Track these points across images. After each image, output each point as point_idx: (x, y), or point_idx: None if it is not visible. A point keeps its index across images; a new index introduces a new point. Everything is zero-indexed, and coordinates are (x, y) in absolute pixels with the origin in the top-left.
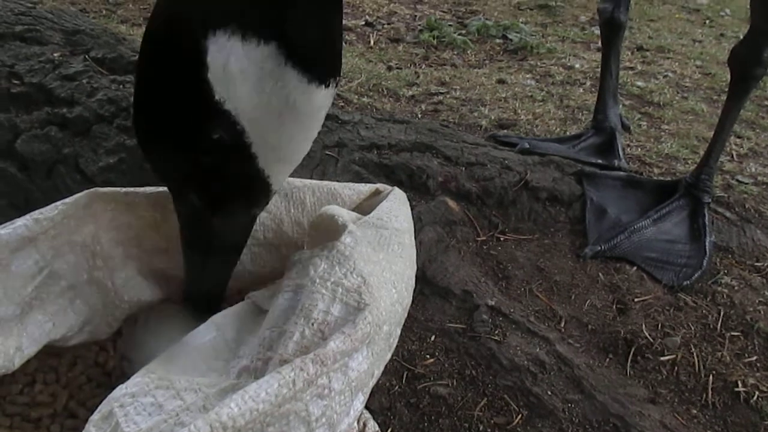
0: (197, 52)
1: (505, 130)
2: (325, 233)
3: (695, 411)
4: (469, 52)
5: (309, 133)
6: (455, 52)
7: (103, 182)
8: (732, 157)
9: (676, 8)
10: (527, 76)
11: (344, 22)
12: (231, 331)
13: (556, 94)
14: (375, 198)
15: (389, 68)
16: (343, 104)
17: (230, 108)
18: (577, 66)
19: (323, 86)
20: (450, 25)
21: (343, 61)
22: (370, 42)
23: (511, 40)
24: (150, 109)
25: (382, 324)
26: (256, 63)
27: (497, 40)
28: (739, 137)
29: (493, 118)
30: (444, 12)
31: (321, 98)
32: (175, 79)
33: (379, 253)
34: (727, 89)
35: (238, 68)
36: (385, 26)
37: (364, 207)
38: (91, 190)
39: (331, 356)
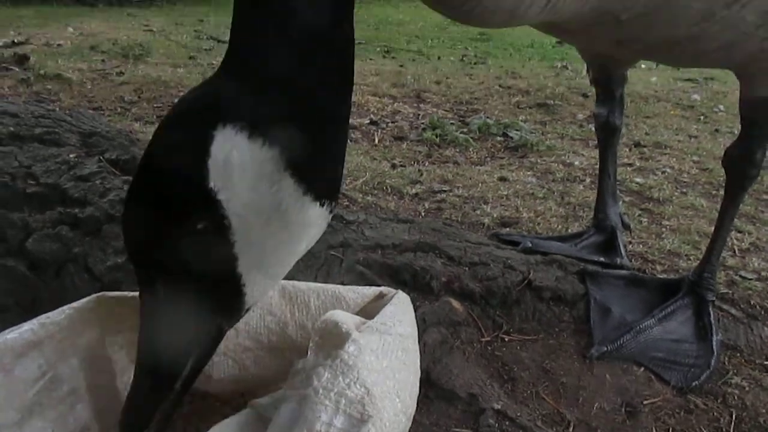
0: (203, 139)
1: (508, 229)
2: (329, 339)
3: None
4: (471, 149)
5: (295, 247)
6: (457, 150)
7: (111, 281)
8: (734, 252)
9: (671, 105)
10: (528, 173)
11: (351, 121)
12: None
13: (556, 191)
14: (379, 301)
15: (393, 166)
16: (348, 203)
17: (222, 198)
18: (576, 163)
19: (317, 203)
20: (452, 124)
21: (347, 159)
22: (374, 140)
23: (511, 137)
24: (143, 184)
25: None
26: (257, 162)
27: (498, 138)
28: (740, 232)
29: (495, 216)
30: (446, 111)
31: (313, 215)
32: (176, 158)
33: (383, 361)
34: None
35: (238, 162)
36: (390, 125)
37: (369, 310)
38: (99, 294)
39: None
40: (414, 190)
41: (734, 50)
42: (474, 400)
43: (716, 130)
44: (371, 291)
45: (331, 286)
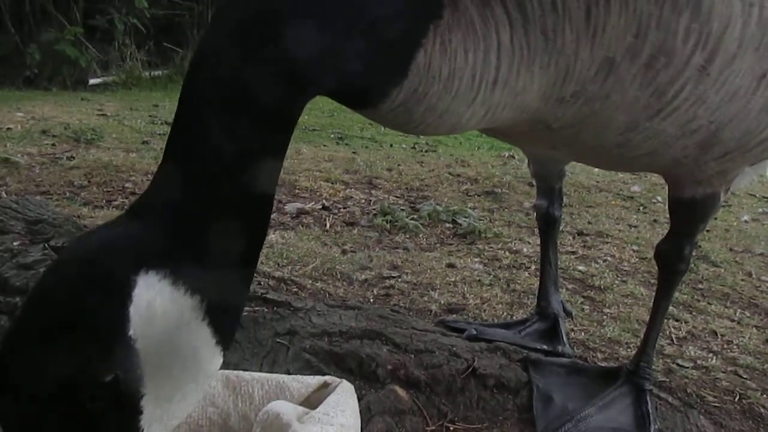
0: (125, 284)
1: (454, 315)
2: (270, 430)
3: None
4: (420, 235)
5: (196, 397)
6: (407, 236)
7: None
8: (672, 340)
9: (612, 195)
10: (476, 260)
11: (303, 206)
12: None
13: (503, 278)
14: (323, 390)
15: (344, 252)
16: (297, 290)
17: (140, 347)
18: (523, 250)
19: (222, 353)
20: (402, 210)
21: (299, 245)
22: (326, 225)
23: (460, 224)
24: (40, 326)
25: None
26: (178, 310)
27: (447, 225)
28: (677, 320)
29: (442, 302)
30: (397, 197)
31: (217, 364)
32: (91, 303)
33: None
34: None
35: (161, 309)
36: (341, 210)
37: (312, 400)
38: None
39: None
40: (363, 276)
41: (658, 157)
42: None
43: (655, 221)
44: (315, 380)
45: (275, 376)
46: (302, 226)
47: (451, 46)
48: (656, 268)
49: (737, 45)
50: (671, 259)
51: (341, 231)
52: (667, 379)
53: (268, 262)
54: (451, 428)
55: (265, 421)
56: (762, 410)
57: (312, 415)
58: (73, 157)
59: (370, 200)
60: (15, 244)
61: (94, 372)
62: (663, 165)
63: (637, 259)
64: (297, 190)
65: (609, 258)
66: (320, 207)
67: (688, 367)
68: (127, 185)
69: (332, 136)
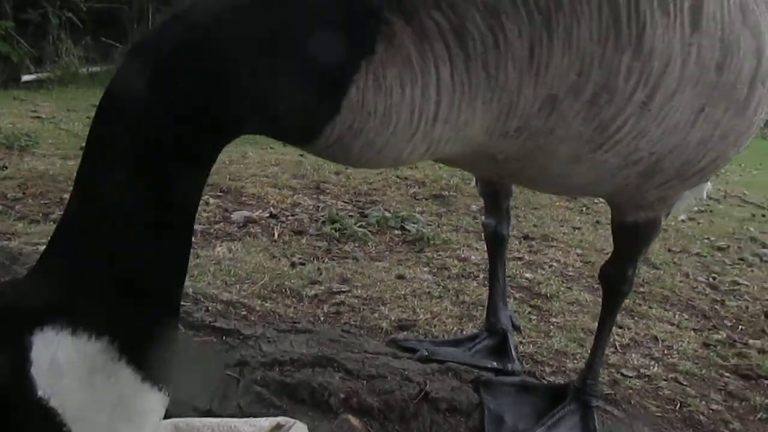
0: (20, 348)
1: (405, 332)
2: None
3: None
4: (369, 243)
5: None
6: (357, 245)
7: None
8: (616, 348)
9: (556, 197)
10: (425, 269)
11: (250, 214)
12: None
13: (452, 289)
14: None
15: (293, 264)
16: (245, 312)
17: (56, 405)
18: (471, 258)
19: (156, 388)
20: (351, 216)
21: (247, 259)
22: (274, 235)
23: (408, 231)
24: None
25: None
26: (86, 357)
27: (396, 231)
28: (620, 327)
29: (393, 318)
30: (345, 202)
31: (154, 401)
32: None
33: None
34: None
35: (66, 361)
36: (289, 218)
37: None
38: None
39: None
40: (313, 292)
41: (601, 185)
42: None
43: (597, 222)
44: (268, 422)
45: (226, 421)
46: (249, 236)
47: (386, 81)
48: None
49: (677, 82)
50: (615, 282)
51: (290, 241)
52: (613, 391)
53: (215, 281)
54: None
55: None
56: (701, 417)
57: None
58: (6, 167)
59: (318, 206)
60: None
61: None
62: (606, 192)
63: (581, 263)
64: (243, 198)
65: (554, 263)
66: (267, 215)
67: (631, 377)
68: (65, 196)
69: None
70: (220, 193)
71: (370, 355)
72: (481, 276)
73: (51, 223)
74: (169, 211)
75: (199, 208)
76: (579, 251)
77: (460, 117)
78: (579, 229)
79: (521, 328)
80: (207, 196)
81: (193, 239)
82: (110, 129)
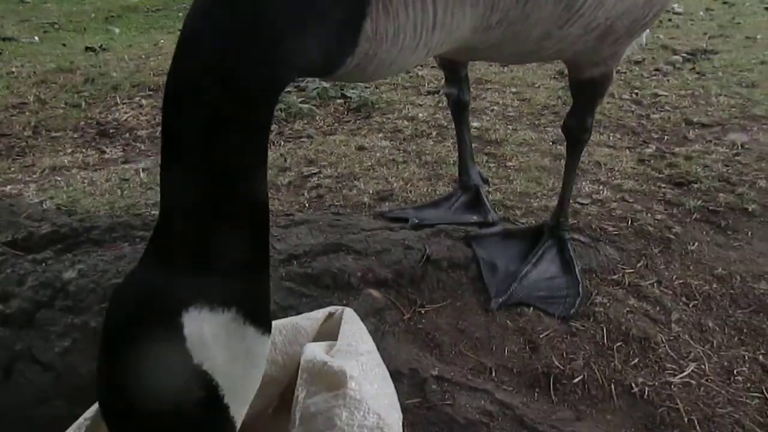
0: (175, 328)
1: (388, 203)
2: (320, 376)
3: (609, 416)
4: (317, 118)
5: (261, 374)
6: (305, 121)
7: (65, 368)
8: None
9: None
10: (379, 135)
11: None
12: None
13: (411, 151)
14: (330, 320)
15: None
16: None
17: (207, 368)
18: (419, 116)
19: (268, 335)
20: (290, 93)
21: None
22: None
23: (350, 98)
24: (129, 388)
25: None
26: (222, 325)
27: (338, 101)
28: None
29: (371, 192)
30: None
31: (267, 343)
32: (155, 354)
33: (374, 384)
34: (541, 112)
35: (210, 333)
36: None
37: (323, 332)
38: None
39: None
40: (287, 179)
41: (563, 52)
42: (415, 373)
43: None
44: (321, 314)
45: (287, 320)
46: None
47: (392, 6)
48: (537, 108)
49: None
50: (577, 131)
51: None
52: (576, 221)
53: None
54: (423, 312)
55: (311, 369)
56: (649, 228)
57: (339, 348)
58: None
59: None
60: None
61: (185, 399)
62: (567, 56)
63: (518, 102)
64: None
65: (495, 107)
66: None
67: (587, 204)
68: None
69: (180, 15)
70: (150, 92)
71: (369, 233)
72: (434, 133)
73: (17, 156)
74: (253, 174)
75: (136, 111)
76: (513, 89)
77: (453, 22)
78: (507, 66)
79: (488, 181)
80: (138, 98)
81: (143, 146)
82: (183, 116)
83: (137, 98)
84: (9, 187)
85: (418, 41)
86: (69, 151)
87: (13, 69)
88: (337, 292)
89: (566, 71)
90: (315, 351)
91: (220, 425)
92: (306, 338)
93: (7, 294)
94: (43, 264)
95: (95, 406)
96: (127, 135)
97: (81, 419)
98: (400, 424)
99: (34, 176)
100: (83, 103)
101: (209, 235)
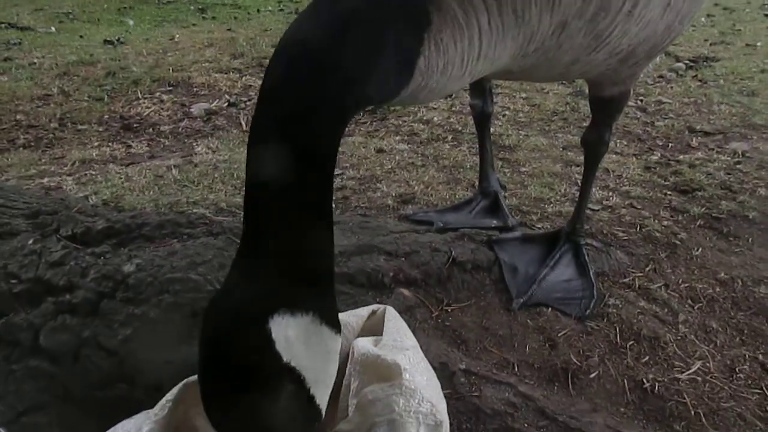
0: (264, 334)
1: (410, 205)
2: (373, 368)
3: (623, 409)
4: None
5: (336, 366)
6: None
7: (127, 353)
8: (578, 185)
9: None
10: (397, 138)
11: (208, 105)
12: None
13: (429, 155)
14: (373, 317)
15: None
16: None
17: (295, 365)
18: (434, 119)
19: (339, 332)
20: None
21: (234, 158)
22: (242, 125)
23: None
24: (232, 392)
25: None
26: (303, 328)
27: None
28: (576, 165)
29: (394, 194)
30: None
31: (339, 341)
32: (251, 360)
33: (424, 376)
34: (551, 118)
35: (294, 335)
36: (248, 103)
37: (367, 328)
38: (186, 380)
39: None
40: None
41: (588, 74)
42: (445, 366)
43: None
44: (365, 311)
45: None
46: (218, 130)
47: (443, 43)
48: (547, 114)
49: None
50: (596, 145)
51: None
52: (588, 226)
53: (226, 188)
54: (450, 310)
55: (365, 362)
56: (657, 234)
57: (385, 344)
58: None
59: None
60: (30, 243)
61: (280, 393)
62: (590, 77)
63: (528, 107)
64: (195, 88)
65: (506, 112)
66: (226, 104)
67: (598, 209)
68: (19, 117)
69: (192, 8)
70: (170, 88)
71: (398, 235)
72: (449, 137)
73: (21, 149)
74: (322, 191)
75: (157, 107)
76: (523, 95)
77: (495, 52)
78: None
79: (506, 187)
80: (159, 93)
81: (167, 141)
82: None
83: (158, 93)
84: (46, 179)
85: (464, 70)
86: (96, 144)
87: (35, 60)
88: (371, 291)
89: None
90: (367, 345)
91: (311, 411)
92: (352, 334)
93: (72, 285)
94: (102, 257)
95: (176, 389)
96: (151, 130)
97: (163, 400)
98: (446, 412)
99: (65, 168)
100: (106, 97)
101: (288, 249)
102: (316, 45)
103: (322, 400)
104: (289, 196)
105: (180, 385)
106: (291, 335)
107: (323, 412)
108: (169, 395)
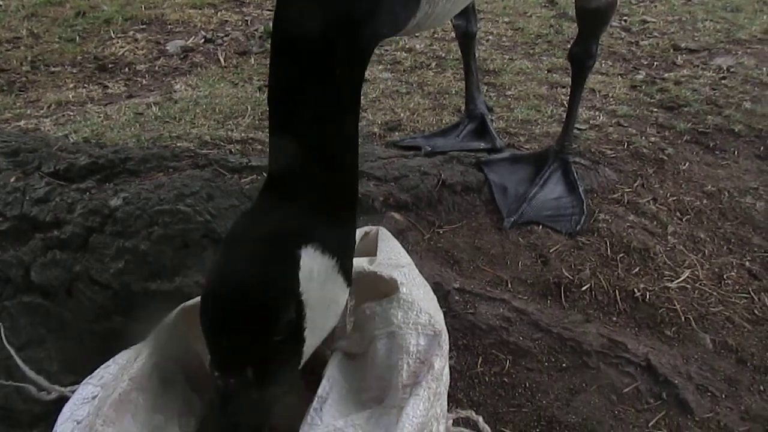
0: (294, 258)
1: (397, 133)
2: (371, 284)
3: (615, 318)
4: None
5: (335, 323)
6: None
7: (121, 286)
8: (565, 106)
9: None
10: (380, 67)
11: (184, 42)
12: (343, 378)
13: (413, 83)
14: (366, 239)
15: (260, 89)
16: (261, 147)
17: (304, 297)
18: (416, 47)
19: (349, 288)
20: None
21: (215, 93)
22: (220, 61)
23: None
24: (235, 302)
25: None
26: (326, 269)
27: None
28: (562, 87)
29: (380, 122)
30: (270, 10)
31: (346, 296)
32: (271, 275)
33: (420, 289)
34: (535, 41)
35: (317, 271)
36: (225, 39)
37: (360, 249)
38: (181, 305)
39: (438, 373)
40: None
41: None
42: (439, 286)
43: None
44: (357, 233)
45: None
46: (196, 66)
47: None
48: (530, 38)
49: None
50: (583, 58)
51: (238, 64)
52: (576, 145)
53: (209, 122)
54: (441, 232)
55: (362, 279)
56: (644, 150)
57: (380, 262)
58: None
59: (246, 20)
60: (12, 180)
61: (279, 318)
62: None
63: (512, 31)
64: (169, 26)
65: (490, 36)
66: (203, 40)
67: (585, 129)
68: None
69: None
70: (143, 26)
71: (386, 160)
72: (433, 65)
73: (19, 91)
74: (348, 136)
75: (132, 46)
76: (506, 19)
77: None
78: None
79: (492, 109)
80: (132, 31)
81: (144, 80)
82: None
83: (131, 32)
84: (23, 122)
85: None
86: (71, 86)
87: (1, 2)
88: (362, 216)
89: (556, 0)
90: (362, 263)
91: (293, 352)
92: None
93: (60, 221)
94: (88, 193)
95: (173, 313)
96: (127, 69)
97: (161, 325)
98: (444, 322)
99: (42, 111)
100: (77, 38)
101: (321, 186)
102: None
103: (308, 347)
104: (320, 130)
105: (178, 309)
106: (315, 270)
107: (303, 360)
108: (167, 319)
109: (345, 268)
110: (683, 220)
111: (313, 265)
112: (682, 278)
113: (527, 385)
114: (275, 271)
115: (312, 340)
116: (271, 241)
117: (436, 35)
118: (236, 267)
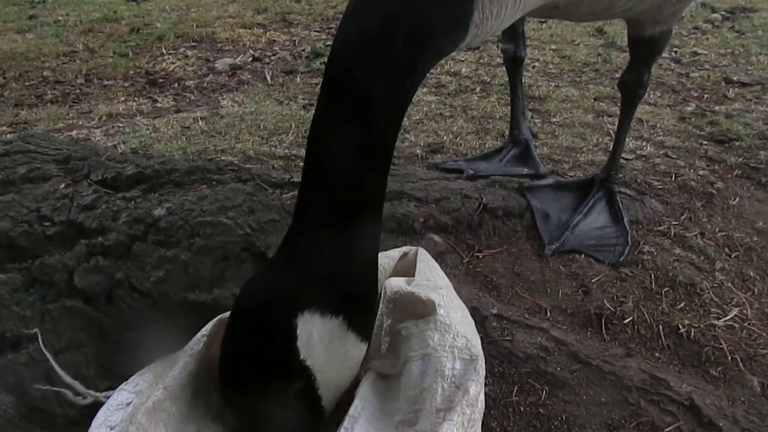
0: (289, 328)
1: (439, 155)
2: (407, 305)
3: (658, 354)
4: None
5: (354, 373)
6: None
7: (160, 294)
8: (611, 136)
9: None
10: (424, 90)
11: (233, 60)
12: (375, 398)
13: (457, 106)
14: (405, 259)
15: (304, 107)
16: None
17: (309, 365)
18: (462, 71)
19: (366, 342)
20: (329, 46)
21: (261, 110)
22: (267, 79)
23: None
24: (245, 372)
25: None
26: (329, 331)
27: None
28: (609, 116)
29: (422, 144)
30: (317, 31)
31: (363, 351)
32: (270, 348)
33: (458, 312)
34: (582, 69)
35: (317, 336)
36: (272, 58)
37: (399, 269)
38: (219, 316)
39: (473, 399)
40: None
41: (631, 11)
42: (476, 311)
43: None
44: (396, 253)
45: None
46: (243, 84)
47: None
48: (577, 66)
49: None
50: (634, 87)
51: (284, 82)
52: (622, 175)
53: (253, 138)
54: (481, 256)
55: (398, 299)
56: (692, 183)
57: (418, 283)
58: None
59: (294, 40)
60: (62, 187)
61: (288, 386)
62: (632, 15)
63: (558, 60)
64: (218, 44)
65: (536, 63)
66: (251, 59)
67: (631, 159)
68: (46, 74)
69: None
70: (194, 43)
71: (427, 182)
72: (478, 89)
73: (48, 104)
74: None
75: (182, 62)
76: (553, 47)
77: None
78: (545, 22)
79: (537, 135)
80: (183, 48)
81: (192, 95)
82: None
83: (182, 49)
84: (75, 132)
85: (517, 9)
86: (122, 99)
87: (59, 18)
88: (401, 236)
89: (605, 29)
90: (400, 284)
91: (313, 411)
92: (384, 275)
93: (104, 228)
94: (133, 202)
95: (210, 324)
96: (176, 85)
97: (198, 335)
98: (481, 347)
99: (93, 122)
100: (130, 53)
101: (330, 246)
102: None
103: (328, 402)
104: (347, 180)
105: (214, 320)
106: (314, 335)
107: (326, 413)
108: (204, 330)
109: (357, 324)
110: (732, 256)
111: (312, 331)
112: (730, 316)
113: (564, 417)
114: (273, 348)
115: (329, 395)
116: (267, 313)
117: (481, 60)
118: (238, 341)
